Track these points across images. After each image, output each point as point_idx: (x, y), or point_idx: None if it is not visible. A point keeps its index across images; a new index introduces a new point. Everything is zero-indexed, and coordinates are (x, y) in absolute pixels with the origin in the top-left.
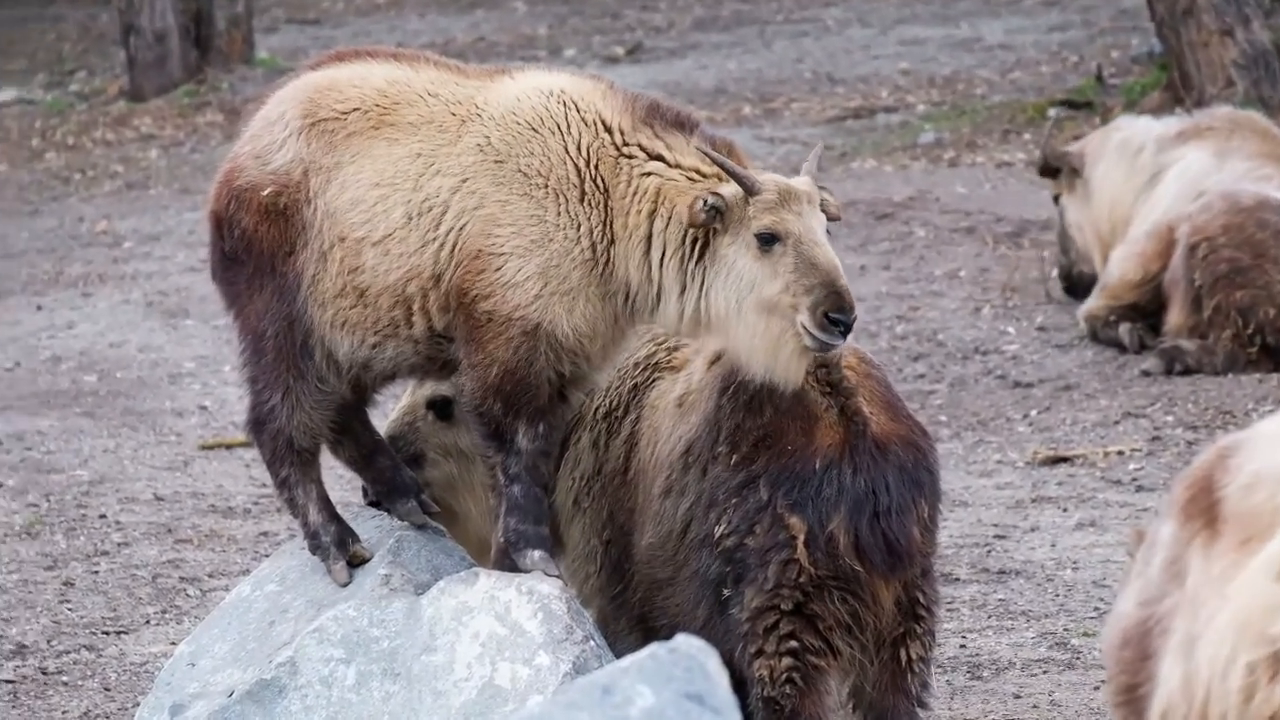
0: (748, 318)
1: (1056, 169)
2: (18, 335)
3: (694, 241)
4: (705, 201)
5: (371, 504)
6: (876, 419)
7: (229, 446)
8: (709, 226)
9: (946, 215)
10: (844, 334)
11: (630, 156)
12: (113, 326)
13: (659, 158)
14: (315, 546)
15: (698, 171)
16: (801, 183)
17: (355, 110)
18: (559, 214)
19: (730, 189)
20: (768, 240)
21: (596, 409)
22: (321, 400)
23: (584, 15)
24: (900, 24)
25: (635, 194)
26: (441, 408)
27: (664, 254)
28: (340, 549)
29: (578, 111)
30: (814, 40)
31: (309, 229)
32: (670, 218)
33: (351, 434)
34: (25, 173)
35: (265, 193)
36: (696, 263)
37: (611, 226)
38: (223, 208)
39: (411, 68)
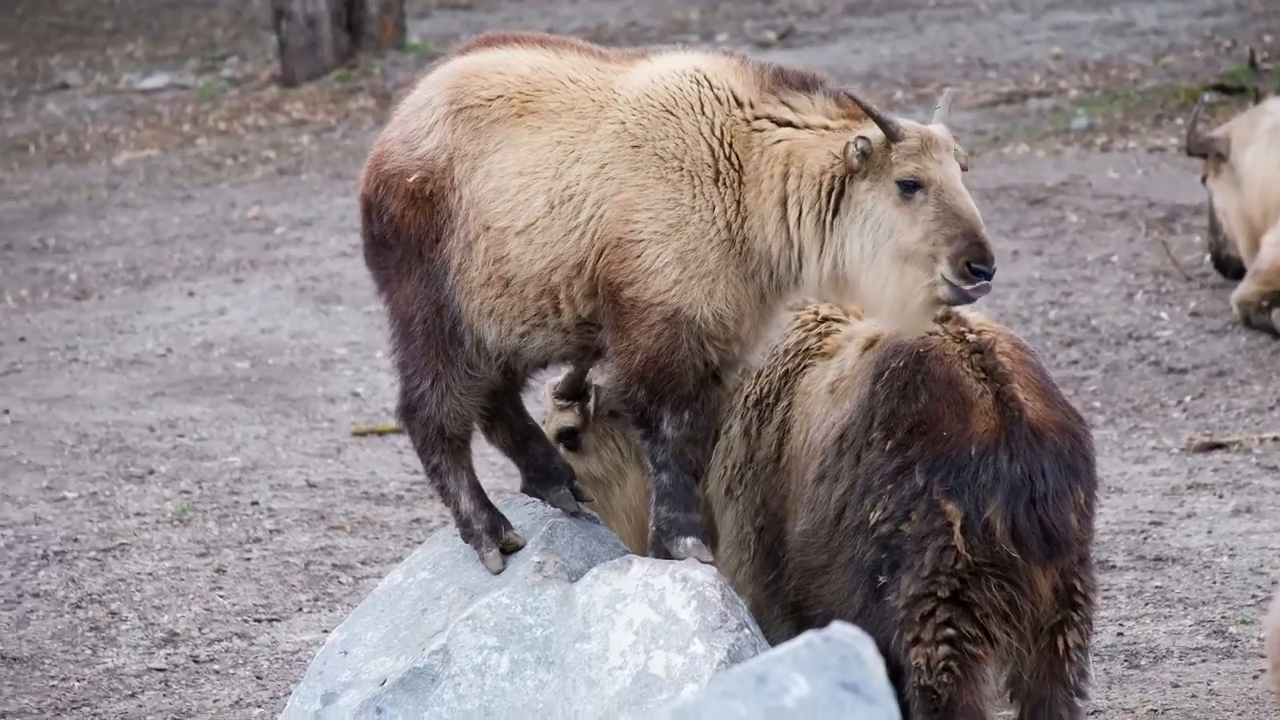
0: (882, 265)
1: (1203, 153)
2: (170, 321)
3: (829, 194)
4: (856, 145)
5: (525, 490)
6: (1032, 405)
7: (381, 433)
8: (856, 171)
9: (1099, 200)
10: (986, 285)
11: (760, 130)
12: (264, 312)
13: (787, 123)
14: (468, 534)
15: (824, 127)
16: (941, 130)
17: (499, 97)
18: (694, 196)
19: (874, 133)
20: (910, 187)
21: (747, 397)
22: (471, 386)
23: (736, 0)
24: (1052, 9)
25: (768, 162)
26: (569, 439)
27: (800, 213)
28: (493, 536)
29: (711, 89)
30: (966, 25)
31: (455, 217)
32: (802, 175)
33: (504, 419)
34: (177, 158)
35: (412, 179)
36: (834, 216)
37: (745, 202)
38: (371, 192)
39: (556, 53)
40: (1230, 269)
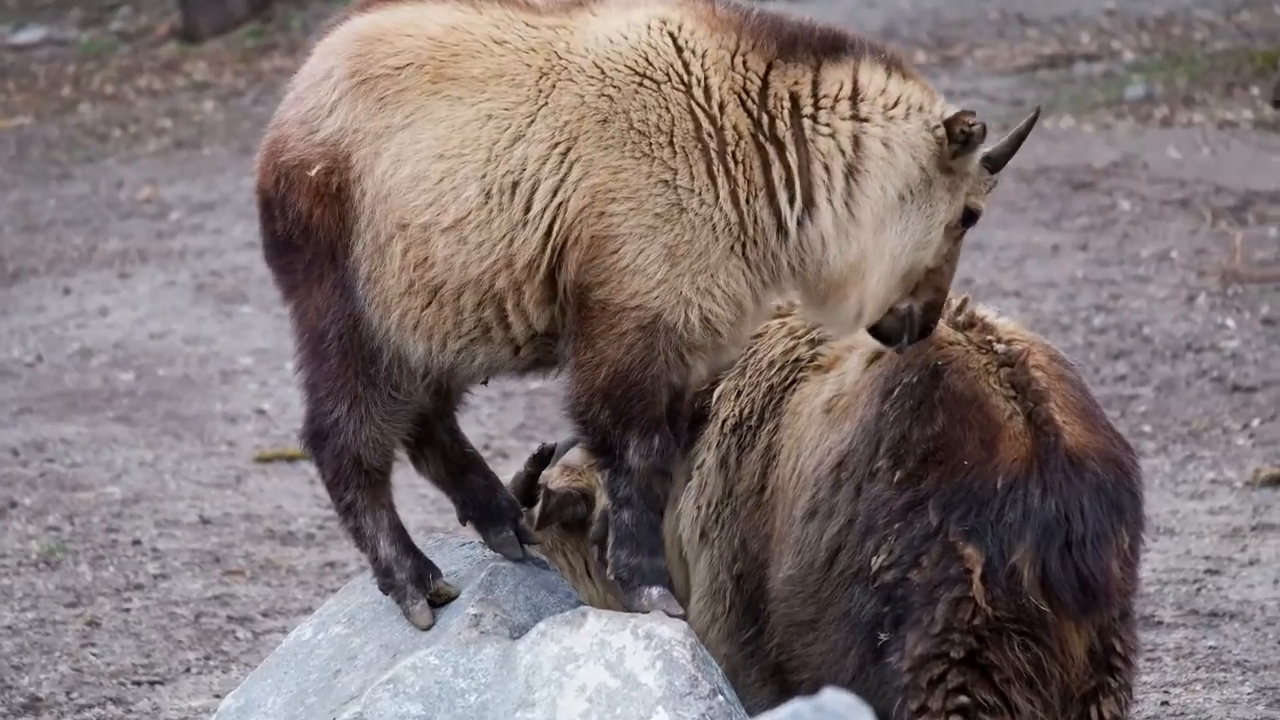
0: (897, 271)
1: None
2: (41, 324)
3: (889, 188)
4: (969, 124)
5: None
6: (1070, 429)
7: (290, 459)
8: (947, 156)
9: (1156, 185)
10: (901, 348)
11: (779, 96)
12: (155, 314)
13: (825, 96)
14: (388, 585)
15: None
16: None
17: (409, 65)
18: (691, 176)
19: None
20: (969, 219)
21: (724, 421)
22: (395, 411)
23: None
24: None
25: (800, 140)
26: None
27: (848, 190)
28: (419, 586)
29: (690, 48)
30: None
31: (360, 215)
32: (860, 150)
33: (436, 447)
34: (55, 128)
35: (314, 170)
36: (888, 207)
37: (757, 179)
38: (271, 185)
39: (474, 8)
40: None
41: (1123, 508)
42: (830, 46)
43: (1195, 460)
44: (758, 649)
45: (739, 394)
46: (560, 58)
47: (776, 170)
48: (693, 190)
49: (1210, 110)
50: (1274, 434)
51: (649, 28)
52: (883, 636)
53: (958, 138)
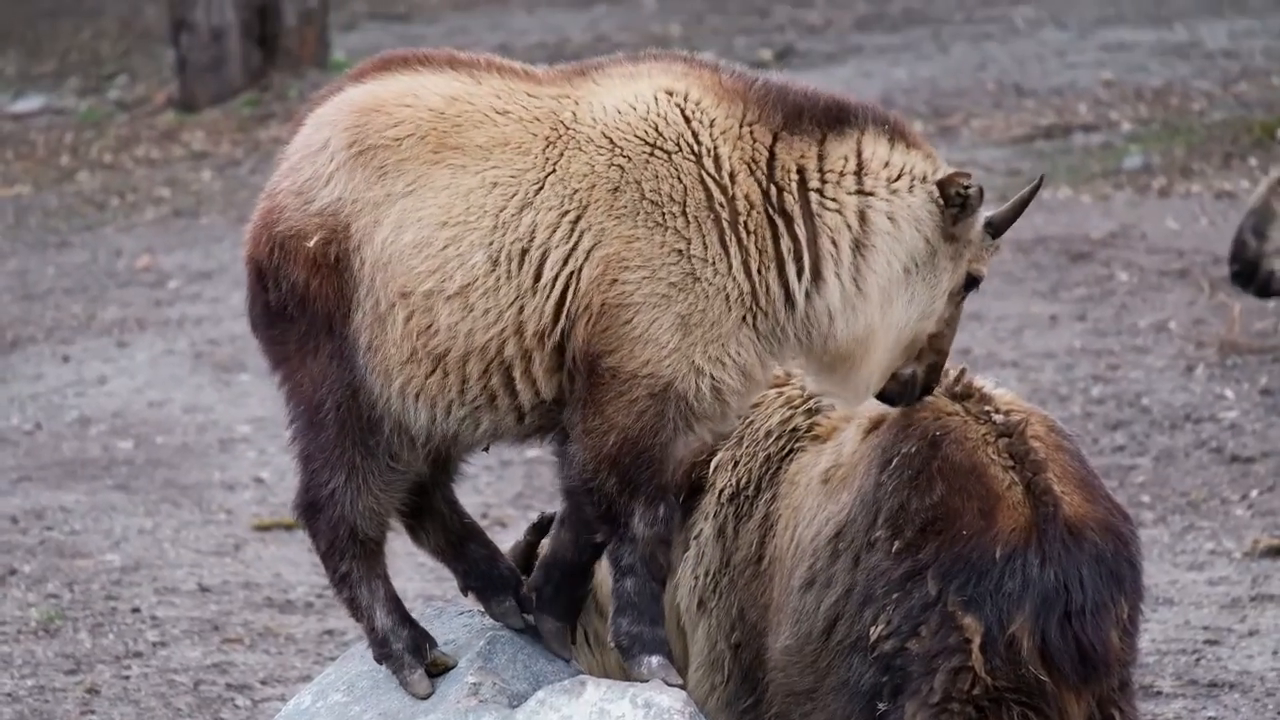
0: (901, 340)
1: None
2: (39, 392)
3: (894, 262)
4: (965, 188)
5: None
6: (1069, 499)
7: (288, 527)
8: (956, 219)
9: (1155, 255)
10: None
11: (786, 168)
12: (153, 382)
13: (830, 170)
14: (384, 655)
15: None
16: None
17: (410, 135)
18: (705, 246)
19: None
20: (971, 285)
21: (721, 491)
22: (393, 481)
23: (725, 12)
24: (1102, 25)
25: (807, 214)
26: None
27: (854, 264)
28: (416, 656)
29: (699, 118)
30: (999, 44)
31: (360, 285)
32: (865, 222)
33: (436, 517)
34: (53, 196)
35: (312, 241)
36: (893, 280)
37: (769, 250)
38: (264, 255)
39: (472, 77)
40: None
41: (1122, 578)
42: (834, 118)
43: (1194, 530)
44: (756, 718)
45: (736, 464)
46: (567, 127)
47: (785, 243)
48: (706, 260)
49: (1208, 181)
50: (1273, 504)
51: (656, 98)
52: (882, 706)
53: (954, 200)
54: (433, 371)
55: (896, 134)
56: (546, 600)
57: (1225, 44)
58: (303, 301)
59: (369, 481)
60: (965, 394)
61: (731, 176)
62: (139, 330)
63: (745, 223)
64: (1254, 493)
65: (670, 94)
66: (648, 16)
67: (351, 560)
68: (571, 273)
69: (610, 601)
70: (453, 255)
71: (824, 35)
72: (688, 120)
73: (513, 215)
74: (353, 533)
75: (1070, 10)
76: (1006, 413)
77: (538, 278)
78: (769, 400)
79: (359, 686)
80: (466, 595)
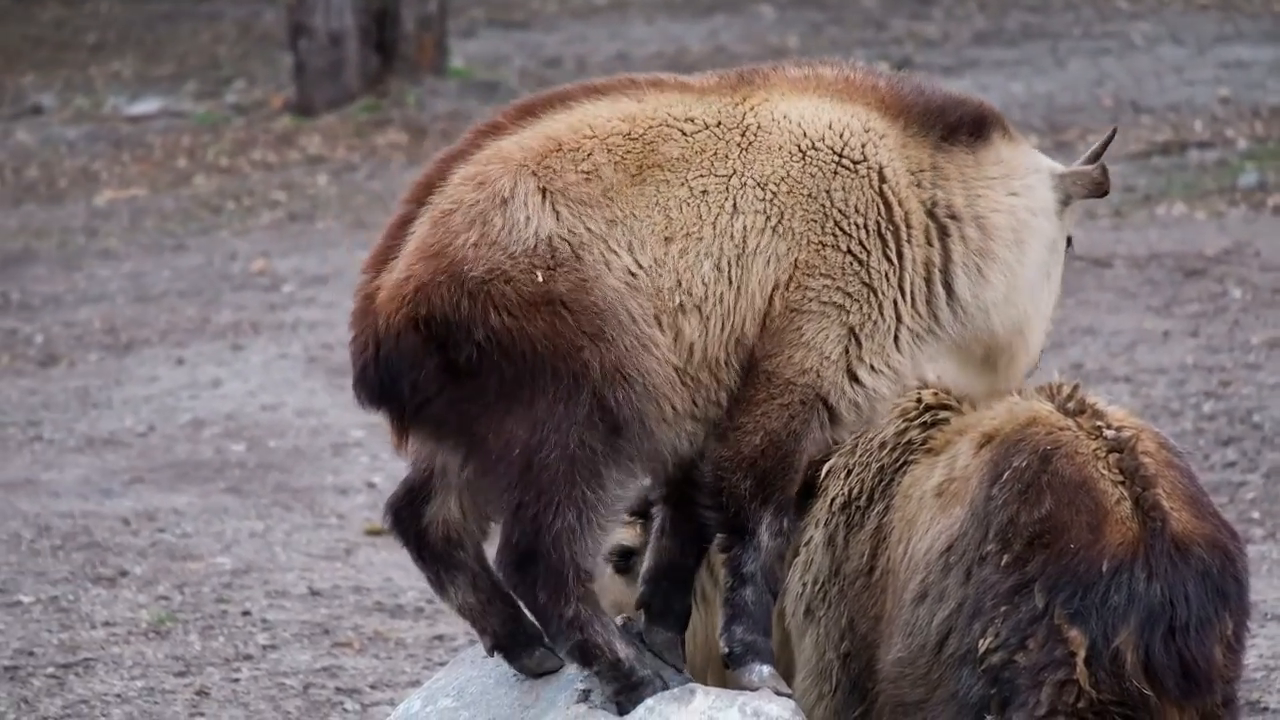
0: (1045, 324)
1: None
2: (153, 394)
3: (1040, 252)
4: (1098, 173)
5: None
6: (1177, 515)
7: None
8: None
9: (1269, 273)
10: None
11: (943, 179)
12: (266, 386)
13: (984, 177)
14: (630, 685)
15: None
16: None
17: (606, 163)
18: (882, 258)
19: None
20: (1069, 244)
21: (833, 499)
22: (619, 510)
23: (843, 24)
24: (1221, 43)
25: (971, 220)
26: (623, 559)
27: (1011, 267)
28: (656, 675)
29: (872, 129)
30: (1116, 60)
31: (602, 315)
32: (1019, 227)
33: (465, 572)
34: (169, 199)
35: (525, 282)
36: (1040, 269)
37: (933, 260)
38: (450, 309)
39: (630, 98)
40: None
41: (1227, 594)
42: (979, 125)
43: None
44: None
45: (849, 472)
46: (755, 134)
47: (953, 249)
48: (881, 271)
49: None
50: None
51: (834, 110)
52: (989, 718)
53: (1094, 191)
54: (682, 385)
55: (1013, 132)
56: (657, 613)
57: None
58: (507, 348)
59: (598, 515)
60: (1079, 410)
61: (902, 189)
62: (253, 334)
63: (913, 234)
64: None
65: (845, 107)
66: (766, 27)
67: (578, 602)
68: (775, 277)
69: (723, 609)
70: (684, 269)
71: (942, 48)
72: (866, 132)
73: (726, 222)
74: (578, 573)
75: (1188, 27)
76: (1118, 429)
77: (747, 280)
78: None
79: (468, 692)
80: (492, 655)
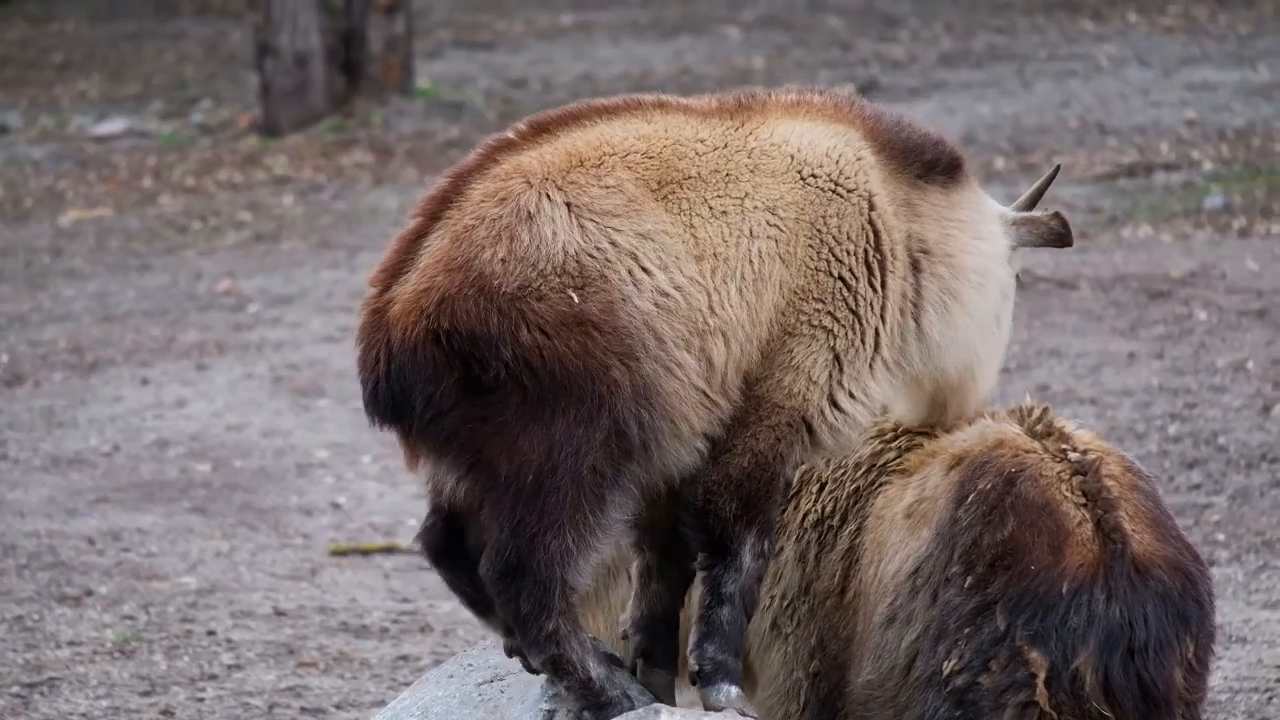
0: (998, 365)
1: None
2: (118, 414)
3: (996, 295)
4: (1057, 221)
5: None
6: (1139, 538)
7: (364, 552)
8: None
9: (1234, 295)
10: None
11: (917, 215)
12: (232, 406)
13: (954, 219)
14: (599, 704)
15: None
16: None
17: (628, 180)
18: (869, 286)
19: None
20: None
21: (805, 515)
22: (617, 531)
23: (809, 45)
24: (1187, 65)
25: (941, 259)
26: None
27: (972, 308)
28: (627, 696)
29: (863, 159)
30: (1082, 82)
31: (631, 335)
32: (982, 270)
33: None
34: (135, 219)
35: (570, 295)
36: (994, 313)
37: (907, 292)
38: (477, 324)
39: (640, 118)
40: None
41: (1188, 616)
42: (954, 166)
43: (1268, 570)
44: None
45: (822, 488)
46: (758, 158)
47: (925, 285)
48: (867, 300)
49: None
50: None
51: (830, 139)
52: None
53: (1053, 242)
54: (703, 407)
55: (973, 177)
56: (659, 659)
57: None
58: (533, 365)
59: (595, 539)
60: (1046, 432)
61: (889, 219)
62: (218, 354)
63: (897, 265)
64: None
65: (838, 135)
66: (731, 49)
67: (559, 617)
68: (778, 302)
69: (697, 625)
70: (712, 289)
71: (908, 70)
72: (859, 161)
73: (746, 245)
74: (564, 589)
75: (1154, 49)
76: (1084, 451)
77: (759, 301)
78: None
79: (433, 712)
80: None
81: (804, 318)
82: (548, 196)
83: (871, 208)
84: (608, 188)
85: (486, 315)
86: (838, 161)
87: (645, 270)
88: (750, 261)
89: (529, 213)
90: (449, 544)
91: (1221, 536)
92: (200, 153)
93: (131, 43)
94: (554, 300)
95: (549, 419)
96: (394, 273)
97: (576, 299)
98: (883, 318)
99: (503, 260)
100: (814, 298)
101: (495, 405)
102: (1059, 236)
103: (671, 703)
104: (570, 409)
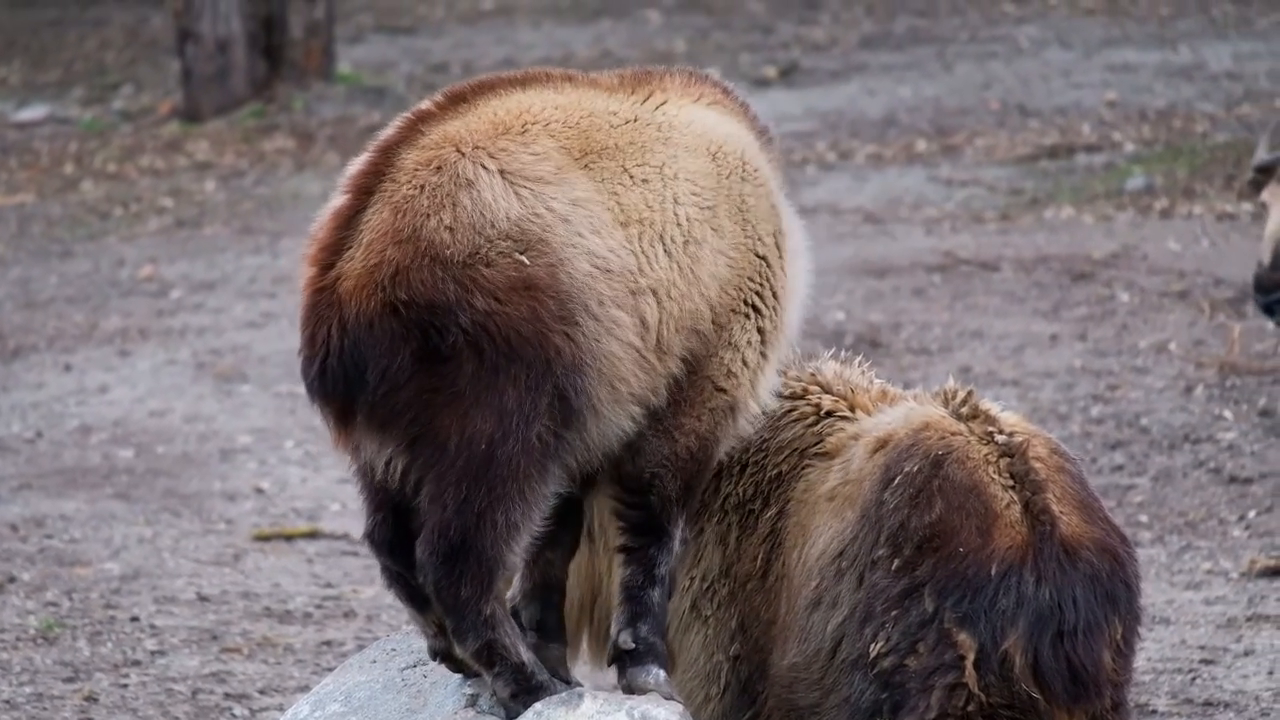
0: None
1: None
2: (41, 400)
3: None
4: None
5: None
6: (1067, 520)
7: (288, 537)
8: None
9: (1156, 276)
10: None
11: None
12: (154, 392)
13: (780, 192)
14: (528, 689)
15: None
16: None
17: (553, 148)
18: (781, 268)
19: None
20: None
21: (726, 498)
22: (544, 515)
23: (730, 29)
24: (1107, 46)
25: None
26: None
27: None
28: (552, 680)
29: (758, 140)
30: (1003, 64)
31: (571, 298)
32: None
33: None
34: (57, 205)
35: (519, 259)
36: None
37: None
38: (434, 291)
39: (552, 89)
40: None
41: (1116, 598)
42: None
43: (1191, 550)
44: None
45: (743, 471)
46: (669, 133)
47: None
48: (780, 282)
49: (1210, 202)
50: (1270, 525)
51: (727, 119)
52: None
53: None
54: (638, 367)
55: None
56: (551, 629)
57: (1229, 66)
58: (488, 331)
59: (534, 514)
60: (972, 415)
61: (780, 203)
62: (141, 340)
63: (787, 249)
64: (1251, 513)
65: (732, 119)
66: (652, 32)
67: (495, 601)
68: (720, 272)
69: (626, 605)
70: (639, 251)
71: (829, 53)
72: (755, 145)
73: (670, 209)
74: (501, 571)
75: (1075, 31)
76: (1010, 434)
77: (695, 270)
78: (782, 415)
79: (356, 697)
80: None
81: (740, 295)
82: (482, 165)
83: (770, 191)
84: (536, 154)
85: (442, 284)
86: (738, 145)
87: (579, 234)
88: (679, 225)
89: (468, 179)
90: (400, 537)
91: (1144, 518)
92: (122, 139)
93: (52, 29)
94: (502, 265)
95: (501, 387)
96: (334, 250)
97: (527, 261)
98: (790, 302)
99: (449, 228)
100: (746, 275)
101: (448, 375)
102: None
103: (565, 674)
104: (520, 375)
